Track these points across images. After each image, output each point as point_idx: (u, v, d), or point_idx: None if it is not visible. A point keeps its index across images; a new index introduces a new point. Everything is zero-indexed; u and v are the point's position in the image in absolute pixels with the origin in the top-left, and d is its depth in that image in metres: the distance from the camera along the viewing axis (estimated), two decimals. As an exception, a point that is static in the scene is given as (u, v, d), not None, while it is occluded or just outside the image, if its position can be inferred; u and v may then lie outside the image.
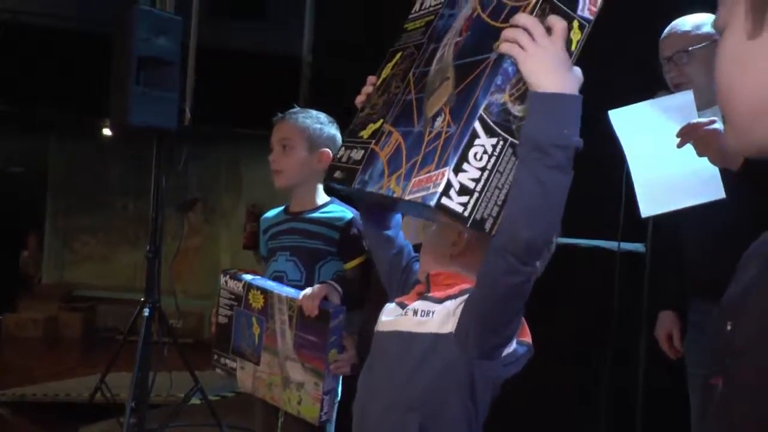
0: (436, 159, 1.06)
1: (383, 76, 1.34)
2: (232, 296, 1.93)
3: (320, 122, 2.07)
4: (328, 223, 2.02)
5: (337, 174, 1.30)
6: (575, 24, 1.08)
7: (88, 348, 7.41)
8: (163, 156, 3.38)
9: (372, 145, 1.22)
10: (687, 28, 2.02)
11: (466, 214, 1.04)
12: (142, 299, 3.49)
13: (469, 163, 1.04)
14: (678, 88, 2.01)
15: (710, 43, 1.99)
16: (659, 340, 2.19)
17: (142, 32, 3.13)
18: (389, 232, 1.44)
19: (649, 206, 1.89)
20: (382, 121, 1.24)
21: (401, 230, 1.48)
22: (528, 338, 1.24)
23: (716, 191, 1.76)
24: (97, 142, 7.84)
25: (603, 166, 2.31)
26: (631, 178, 1.92)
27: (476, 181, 1.04)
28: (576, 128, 1.06)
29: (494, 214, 1.06)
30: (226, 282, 1.95)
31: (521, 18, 1.06)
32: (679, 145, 1.73)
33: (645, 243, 2.33)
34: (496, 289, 1.11)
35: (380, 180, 1.15)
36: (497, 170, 1.05)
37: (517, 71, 1.06)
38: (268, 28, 6.24)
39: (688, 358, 2.11)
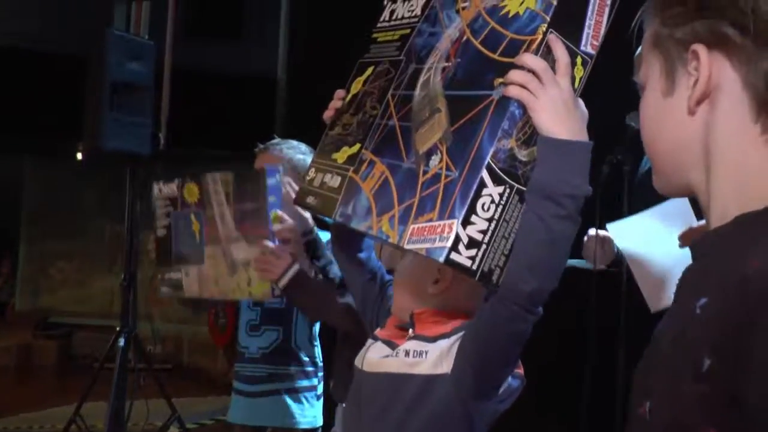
0: (438, 207, 1.02)
1: (353, 91, 1.28)
2: (168, 202, 1.88)
3: (302, 152, 2.06)
4: None
5: (310, 200, 1.25)
6: (578, 60, 1.06)
7: (62, 376, 7.27)
8: (137, 181, 3.34)
9: (350, 173, 1.17)
10: None
11: (474, 267, 1.00)
12: (118, 328, 3.44)
13: (477, 214, 1.00)
14: None
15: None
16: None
17: (115, 57, 3.12)
18: (361, 255, 1.40)
19: (659, 302, 1.95)
20: (359, 146, 1.18)
21: (374, 251, 1.46)
22: (521, 370, 1.21)
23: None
24: (73, 166, 7.76)
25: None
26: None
27: (484, 233, 1.00)
28: (586, 176, 1.03)
29: (501, 264, 1.03)
30: (159, 190, 1.90)
31: (529, 60, 1.01)
32: (681, 246, 1.76)
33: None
34: (498, 335, 1.09)
35: (367, 218, 1.10)
36: (504, 219, 1.02)
37: (524, 114, 1.02)
38: (243, 48, 6.24)
39: None
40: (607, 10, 1.08)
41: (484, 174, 1.00)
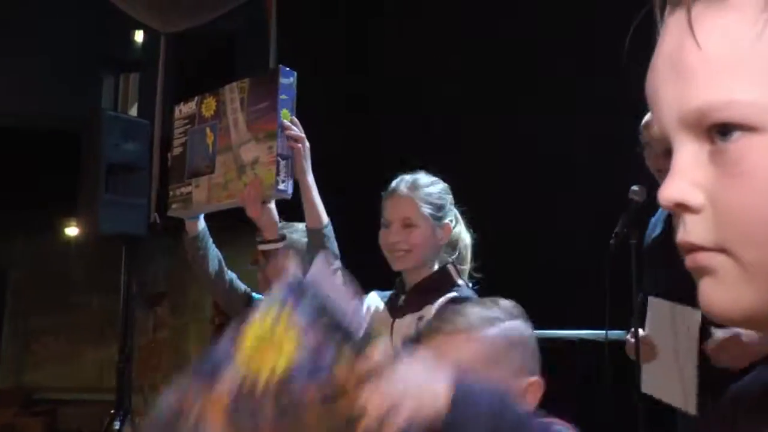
0: None
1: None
2: (186, 120, 1.90)
3: (297, 230, 2.06)
4: None
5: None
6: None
7: (49, 455, 7.03)
8: (132, 262, 3.31)
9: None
10: None
11: None
12: (112, 411, 3.35)
13: None
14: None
15: None
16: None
17: (111, 138, 3.12)
18: None
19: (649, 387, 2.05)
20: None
21: None
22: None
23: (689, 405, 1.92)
24: (60, 240, 7.68)
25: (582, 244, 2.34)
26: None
27: None
28: None
29: None
30: (180, 111, 1.93)
31: None
32: (715, 363, 1.89)
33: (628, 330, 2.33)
34: None
35: None
36: None
37: None
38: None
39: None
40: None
41: None
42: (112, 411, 3.34)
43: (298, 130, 1.70)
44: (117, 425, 3.26)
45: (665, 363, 1.98)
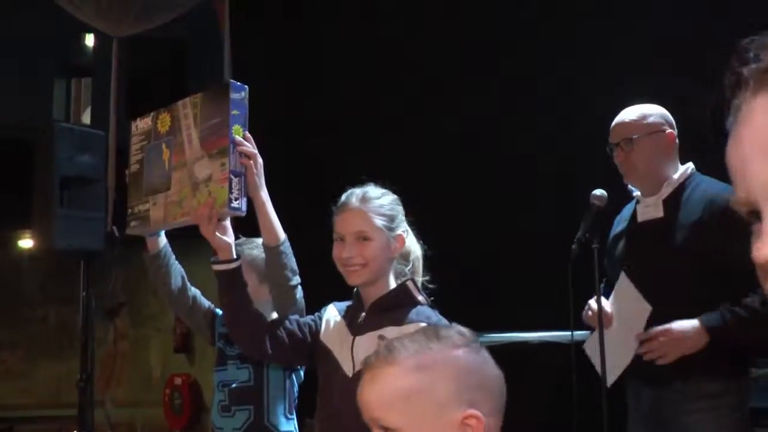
0: None
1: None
2: (142, 136, 1.89)
3: (256, 246, 2.05)
4: None
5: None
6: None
7: (6, 474, 6.84)
8: (90, 276, 3.22)
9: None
10: (633, 116, 2.15)
11: None
12: (75, 431, 3.26)
13: None
14: (625, 173, 2.14)
15: (653, 133, 2.12)
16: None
17: (64, 151, 3.03)
18: None
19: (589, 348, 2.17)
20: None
21: None
22: None
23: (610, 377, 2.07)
24: (12, 253, 7.46)
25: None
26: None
27: None
28: None
29: None
30: (136, 126, 1.92)
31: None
32: (642, 352, 2.04)
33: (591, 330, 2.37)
34: None
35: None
36: None
37: None
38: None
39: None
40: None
41: None
42: (75, 431, 3.25)
43: (250, 146, 1.67)
44: (79, 444, 3.17)
45: (611, 335, 2.09)
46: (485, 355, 1.05)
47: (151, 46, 6.07)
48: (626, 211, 2.26)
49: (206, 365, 6.27)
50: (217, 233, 1.68)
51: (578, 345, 2.30)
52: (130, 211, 1.88)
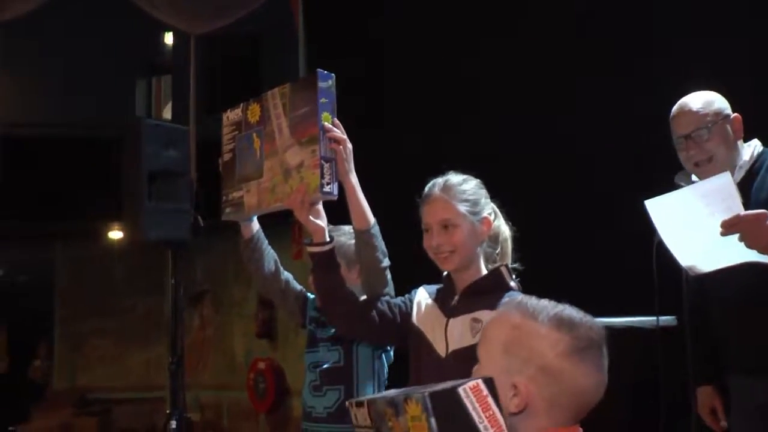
0: None
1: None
2: (233, 127, 1.95)
3: (344, 233, 2.08)
4: None
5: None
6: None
7: (106, 453, 7.24)
8: (177, 266, 3.37)
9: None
10: (699, 105, 2.06)
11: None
12: (168, 411, 3.43)
13: None
14: (698, 167, 2.03)
15: (724, 118, 2.04)
16: (703, 417, 2.16)
17: (151, 146, 3.16)
18: None
19: (696, 268, 1.90)
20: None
21: None
22: None
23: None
24: (102, 245, 7.85)
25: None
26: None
27: None
28: None
29: None
30: (227, 118, 1.98)
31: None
32: (723, 235, 1.74)
33: (678, 316, 2.32)
34: None
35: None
36: None
37: None
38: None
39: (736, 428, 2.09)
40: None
41: None
42: (167, 411, 3.41)
43: (339, 132, 1.71)
44: (173, 424, 3.33)
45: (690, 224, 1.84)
46: (591, 357, 1.11)
47: (227, 41, 6.24)
48: None
49: (289, 350, 6.44)
50: (311, 217, 1.73)
51: (664, 330, 2.26)
52: (224, 198, 1.96)
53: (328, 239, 1.77)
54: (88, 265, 8.19)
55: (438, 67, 3.72)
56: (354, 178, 1.73)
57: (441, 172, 1.79)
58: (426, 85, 3.76)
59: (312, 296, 2.20)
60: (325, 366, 2.14)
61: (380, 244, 1.79)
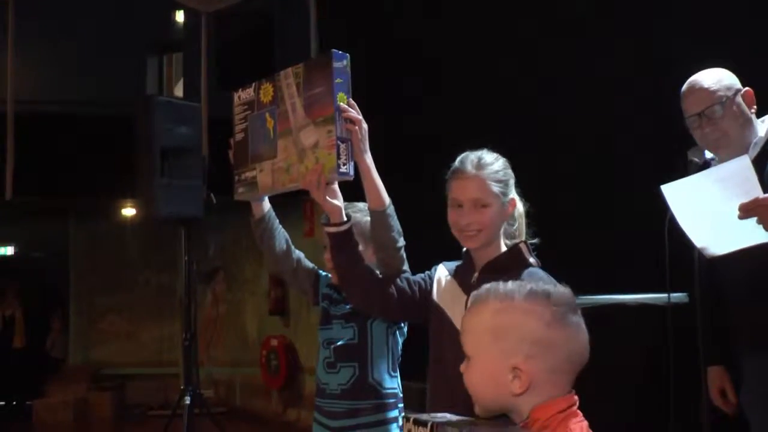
0: None
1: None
2: (245, 106, 1.94)
3: (360, 210, 2.09)
4: None
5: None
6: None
7: (120, 427, 7.35)
8: (190, 242, 3.39)
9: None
10: (710, 82, 2.02)
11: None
12: (182, 387, 3.47)
13: None
14: (716, 143, 2.01)
15: (736, 94, 2.01)
16: (712, 397, 2.16)
17: (163, 123, 3.18)
18: None
19: (711, 250, 1.89)
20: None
21: None
22: None
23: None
24: (116, 221, 7.90)
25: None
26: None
27: None
28: None
29: None
30: (239, 97, 1.97)
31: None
32: (741, 218, 1.72)
33: (689, 292, 2.31)
34: None
35: None
36: None
37: None
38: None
39: (749, 410, 2.08)
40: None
41: None
42: (181, 387, 3.46)
43: (355, 113, 1.70)
44: (187, 400, 3.38)
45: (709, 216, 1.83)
46: (572, 320, 1.14)
47: (238, 18, 6.21)
48: None
49: (301, 327, 6.49)
50: (327, 197, 1.73)
51: (675, 307, 2.25)
52: (237, 177, 1.95)
53: (344, 219, 1.77)
54: (102, 241, 8.26)
55: (450, 43, 3.70)
56: (369, 159, 1.72)
57: (455, 148, 1.77)
58: (436, 58, 3.73)
59: (324, 274, 2.20)
60: (339, 343, 2.15)
61: (396, 223, 1.78)
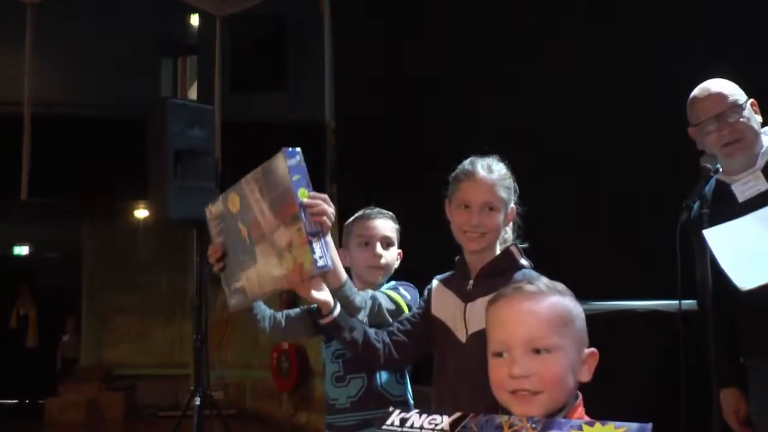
0: None
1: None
2: (219, 220, 1.95)
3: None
4: None
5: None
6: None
7: (130, 428, 7.39)
8: (202, 244, 3.40)
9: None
10: (726, 87, 2.03)
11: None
12: (192, 388, 3.48)
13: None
14: (727, 147, 2.00)
15: (746, 100, 2.01)
16: (729, 422, 2.13)
17: (177, 126, 3.19)
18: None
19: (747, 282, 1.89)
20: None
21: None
22: None
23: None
24: (129, 223, 7.95)
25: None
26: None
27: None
28: None
29: None
30: (210, 212, 1.98)
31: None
32: None
33: (699, 301, 2.29)
34: None
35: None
36: None
37: None
38: (289, 99, 6.34)
39: (756, 418, 2.06)
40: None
41: None
42: (191, 388, 3.46)
43: (319, 205, 1.68)
44: (198, 401, 3.38)
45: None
46: None
47: (252, 22, 6.25)
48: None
49: (310, 331, 6.49)
50: (313, 292, 1.73)
51: (686, 314, 2.23)
52: (227, 290, 1.98)
53: (333, 305, 1.78)
54: (115, 242, 8.31)
55: (459, 48, 3.70)
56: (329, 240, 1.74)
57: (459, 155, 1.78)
58: (447, 62, 3.73)
59: (315, 306, 2.20)
60: (348, 355, 2.15)
61: (355, 296, 1.81)
